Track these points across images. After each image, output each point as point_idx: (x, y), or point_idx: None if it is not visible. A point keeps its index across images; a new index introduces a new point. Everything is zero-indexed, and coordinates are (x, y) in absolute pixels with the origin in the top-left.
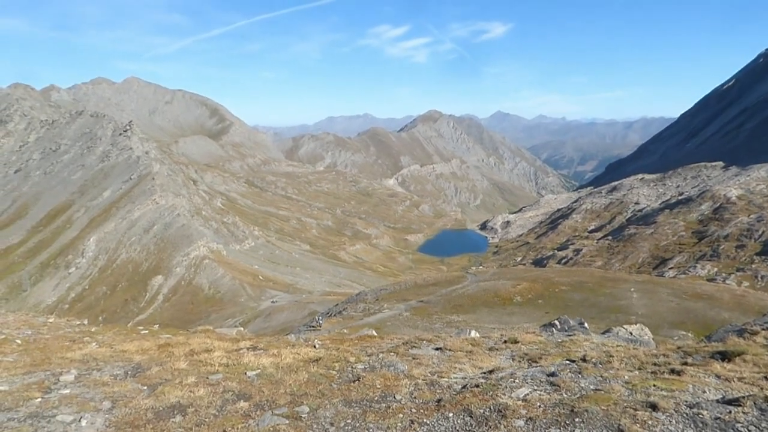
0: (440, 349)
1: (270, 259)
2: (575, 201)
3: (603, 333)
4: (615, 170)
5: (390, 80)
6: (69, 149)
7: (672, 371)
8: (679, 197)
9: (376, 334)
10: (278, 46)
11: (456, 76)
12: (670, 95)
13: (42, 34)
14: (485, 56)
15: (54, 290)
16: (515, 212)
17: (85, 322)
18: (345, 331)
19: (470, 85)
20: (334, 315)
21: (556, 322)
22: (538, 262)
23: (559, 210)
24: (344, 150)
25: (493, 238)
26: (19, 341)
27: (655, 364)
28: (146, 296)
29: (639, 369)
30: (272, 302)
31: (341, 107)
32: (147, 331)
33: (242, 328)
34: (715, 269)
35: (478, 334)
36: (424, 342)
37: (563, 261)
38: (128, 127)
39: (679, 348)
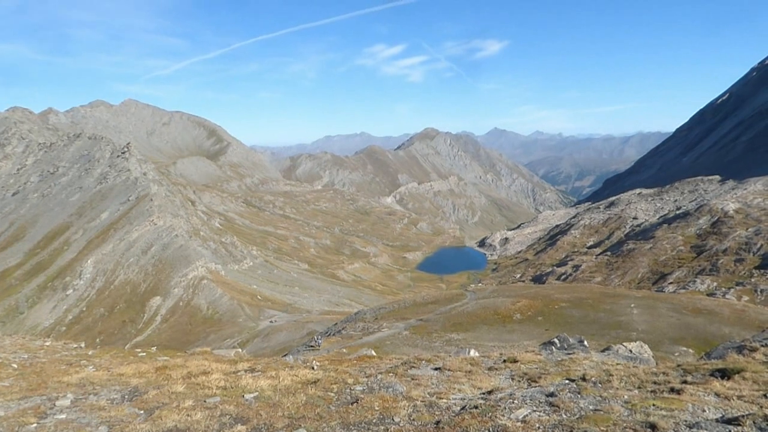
0: (439, 369)
1: (268, 279)
2: (573, 217)
3: (603, 351)
4: (612, 185)
5: (387, 99)
6: (67, 171)
7: (672, 390)
8: (677, 211)
9: (375, 354)
10: (274, 67)
11: (452, 94)
12: (665, 110)
13: (40, 58)
14: (481, 73)
15: (51, 312)
16: (513, 229)
17: (82, 345)
18: (344, 350)
19: (466, 102)
20: (333, 334)
21: (556, 340)
22: (538, 279)
23: (557, 226)
24: (342, 169)
25: (491, 255)
26: (15, 365)
27: (654, 383)
28: (144, 317)
29: (639, 388)
30: (271, 322)
31: (338, 126)
32: (145, 354)
33: (240, 350)
34: (715, 284)
35: (477, 354)
36: (423, 362)
37: (562, 277)
38: (126, 149)
39: (678, 366)
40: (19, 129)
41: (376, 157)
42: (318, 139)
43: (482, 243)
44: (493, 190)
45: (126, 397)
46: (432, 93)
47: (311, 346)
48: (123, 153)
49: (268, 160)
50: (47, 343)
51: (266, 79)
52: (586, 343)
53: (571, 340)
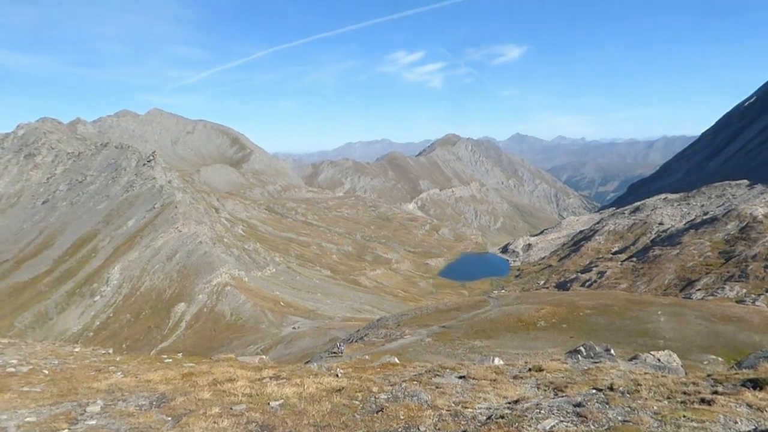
0: (464, 377)
1: (291, 285)
2: (598, 222)
3: (630, 360)
4: (637, 190)
5: (407, 105)
6: (94, 180)
7: (702, 401)
8: (704, 217)
9: (398, 361)
10: (295, 76)
11: (473, 100)
12: (690, 113)
13: (69, 70)
14: (501, 79)
15: (79, 318)
16: (537, 235)
17: (110, 350)
18: (366, 357)
19: (487, 107)
20: (356, 341)
21: (582, 348)
22: (562, 285)
23: (581, 232)
24: (363, 175)
25: (514, 261)
26: (46, 371)
27: (684, 393)
28: (169, 323)
29: (668, 398)
30: (293, 328)
31: (359, 133)
32: (171, 360)
33: (264, 356)
34: (744, 290)
35: (501, 362)
36: (447, 370)
37: (587, 284)
38: (151, 158)
39: (709, 376)
40: (49, 139)
41: (398, 163)
42: (339, 146)
43: (505, 249)
44: (516, 196)
45: (154, 403)
46: (452, 99)
47: (334, 353)
48: (148, 161)
49: (290, 168)
50: (76, 349)
51: (287, 87)
52: (612, 351)
53: (597, 348)
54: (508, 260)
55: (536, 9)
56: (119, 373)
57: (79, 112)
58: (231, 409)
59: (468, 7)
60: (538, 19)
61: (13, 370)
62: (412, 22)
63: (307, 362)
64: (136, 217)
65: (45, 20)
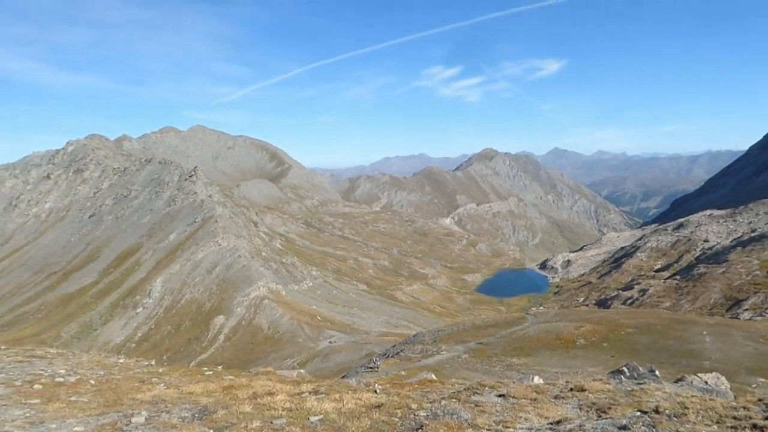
0: (503, 396)
1: (327, 299)
2: (639, 239)
3: (675, 381)
4: (680, 206)
5: (444, 120)
6: (139, 194)
7: (754, 426)
8: (752, 234)
9: (435, 377)
10: (333, 92)
11: (510, 114)
12: (736, 127)
13: (116, 88)
14: (540, 93)
15: (122, 329)
16: (576, 251)
17: (153, 362)
18: (403, 373)
19: (525, 122)
20: (392, 356)
21: (625, 368)
22: (602, 303)
23: (622, 248)
24: (400, 190)
25: (553, 277)
26: (92, 381)
27: (734, 418)
28: (208, 336)
29: (717, 423)
30: (330, 342)
31: (396, 148)
32: (211, 373)
33: (302, 370)
34: None
35: (541, 380)
36: (486, 388)
37: (628, 302)
38: (193, 173)
39: (760, 400)
40: (96, 155)
41: (435, 178)
42: (376, 161)
43: (543, 265)
44: (554, 211)
45: (196, 415)
46: (490, 113)
47: (370, 368)
48: (190, 176)
49: (327, 182)
50: (121, 360)
51: (325, 103)
52: (657, 372)
53: (641, 369)
54: (546, 276)
55: (575, 23)
56: (162, 385)
57: (125, 128)
58: (271, 423)
59: (506, 22)
60: (578, 33)
61: (61, 380)
62: (449, 37)
63: (343, 377)
64: (178, 231)
65: (97, 41)
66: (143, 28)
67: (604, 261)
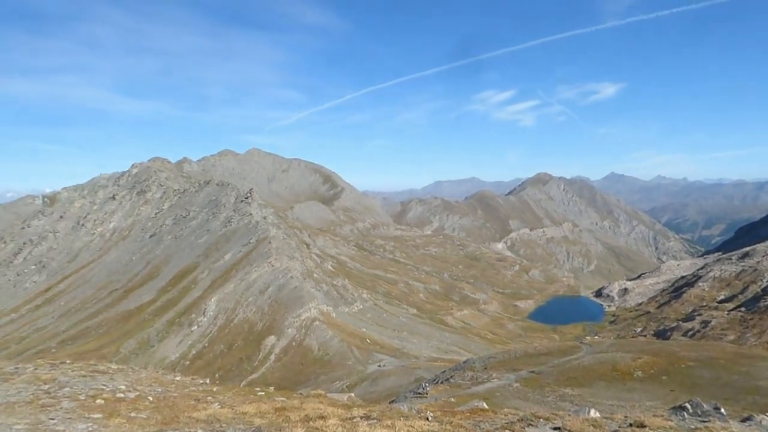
0: (558, 429)
1: (377, 323)
2: (701, 268)
3: (743, 421)
4: (746, 235)
5: (497, 144)
6: (197, 215)
7: None
8: None
9: (486, 406)
10: (385, 115)
11: (565, 138)
12: None
13: (178, 113)
14: (595, 117)
15: (177, 347)
16: (634, 279)
17: (207, 381)
18: (452, 400)
19: (580, 146)
20: (441, 382)
21: (688, 405)
22: (661, 334)
23: (683, 277)
24: (452, 214)
25: (609, 306)
26: (151, 398)
27: None
28: (259, 355)
29: None
30: (379, 366)
31: (448, 171)
32: (263, 393)
33: (352, 394)
34: None
35: (598, 414)
36: (541, 420)
37: (689, 333)
38: (249, 195)
39: None
40: (158, 177)
41: (487, 202)
42: (428, 185)
43: (599, 293)
44: (611, 238)
45: None
46: (544, 137)
47: (419, 394)
48: (246, 198)
49: (379, 205)
50: (177, 378)
51: (378, 127)
52: (722, 410)
53: (705, 405)
54: (602, 305)
55: (633, 46)
56: (216, 404)
57: (186, 151)
58: None
59: (561, 46)
60: (636, 56)
61: (122, 395)
62: (502, 60)
63: (392, 401)
64: (233, 251)
65: (161, 68)
66: (205, 56)
67: (664, 290)
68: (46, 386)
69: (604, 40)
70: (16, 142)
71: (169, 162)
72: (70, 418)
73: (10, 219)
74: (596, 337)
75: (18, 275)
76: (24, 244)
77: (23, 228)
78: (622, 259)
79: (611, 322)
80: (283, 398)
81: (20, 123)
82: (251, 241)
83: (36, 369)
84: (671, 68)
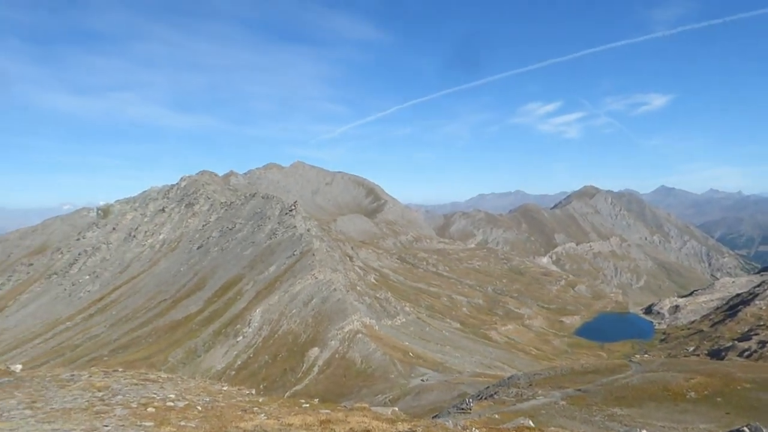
0: None
1: (420, 336)
2: (758, 285)
3: None
4: None
5: (541, 156)
6: (242, 228)
7: None
8: None
9: (532, 424)
10: (429, 128)
11: (612, 150)
12: None
13: (225, 127)
14: (644, 129)
15: (223, 357)
16: (685, 296)
17: (253, 391)
18: (497, 416)
19: (629, 158)
20: (485, 398)
21: (746, 429)
22: (715, 354)
23: (738, 295)
24: (495, 227)
25: (659, 323)
26: (199, 407)
27: None
28: (303, 367)
29: None
30: (422, 380)
31: (492, 184)
32: (308, 405)
33: (396, 408)
34: None
35: None
36: None
37: (745, 354)
38: (293, 207)
39: None
40: (206, 190)
41: (531, 215)
42: (472, 198)
43: (648, 310)
44: (661, 253)
45: None
46: (590, 150)
47: (462, 409)
48: (290, 211)
49: (422, 218)
50: (224, 388)
51: (422, 139)
52: None
53: (764, 430)
54: (652, 322)
55: (683, 56)
56: (263, 415)
57: (233, 164)
58: None
59: (608, 56)
60: (686, 66)
61: (171, 404)
62: (547, 72)
63: (435, 416)
64: (277, 263)
65: (209, 84)
66: (251, 71)
67: (718, 308)
68: (100, 393)
69: (653, 50)
70: (73, 157)
71: (216, 175)
72: (123, 425)
73: (67, 231)
74: (646, 355)
75: (73, 285)
76: (79, 254)
77: (78, 239)
78: (673, 275)
79: (662, 341)
80: (327, 410)
81: (77, 138)
82: (295, 253)
83: (90, 376)
84: (723, 78)
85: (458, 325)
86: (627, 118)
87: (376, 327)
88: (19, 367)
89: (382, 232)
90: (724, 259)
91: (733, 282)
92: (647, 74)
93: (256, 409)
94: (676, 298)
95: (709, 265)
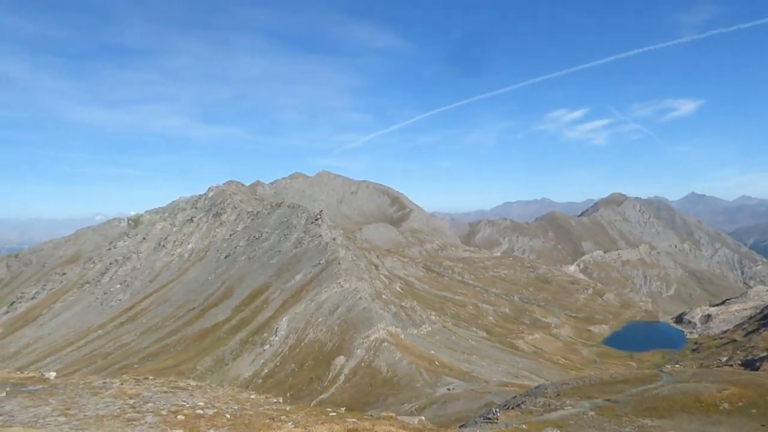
0: None
1: (446, 345)
2: None
3: None
4: None
5: (568, 163)
6: (269, 237)
7: None
8: None
9: None
10: (453, 137)
11: (640, 157)
12: None
13: (251, 137)
14: (673, 135)
15: (250, 365)
16: (718, 305)
17: (280, 400)
18: (524, 426)
19: (657, 165)
20: (512, 408)
21: None
22: (749, 364)
23: None
24: (521, 235)
25: (691, 333)
26: (228, 415)
27: None
28: (329, 375)
29: None
30: (448, 389)
31: (517, 192)
32: (335, 413)
33: (422, 417)
34: None
35: None
36: None
37: None
38: (319, 216)
39: None
40: (233, 200)
41: (558, 223)
42: (497, 205)
43: (679, 319)
44: (692, 261)
45: None
46: (618, 156)
47: (489, 419)
48: (316, 220)
49: (447, 226)
50: (252, 396)
51: (446, 148)
52: None
53: None
54: (683, 331)
55: (713, 61)
56: (290, 423)
57: (259, 174)
58: None
59: (635, 62)
60: (716, 71)
61: (201, 412)
62: (573, 79)
63: (462, 426)
64: (303, 272)
65: (236, 95)
66: (276, 82)
67: (752, 317)
68: (132, 401)
69: (681, 55)
70: (105, 168)
71: (243, 185)
72: None
73: (98, 241)
74: (677, 365)
75: (105, 294)
76: (110, 264)
77: (110, 249)
78: (704, 284)
79: (693, 350)
80: (354, 419)
81: (107, 150)
82: (321, 262)
83: (122, 384)
84: (754, 83)
85: (484, 334)
86: (655, 125)
87: (402, 336)
88: (53, 374)
89: (407, 240)
90: (758, 267)
91: None
92: (676, 80)
93: (283, 417)
94: (707, 306)
95: (742, 273)
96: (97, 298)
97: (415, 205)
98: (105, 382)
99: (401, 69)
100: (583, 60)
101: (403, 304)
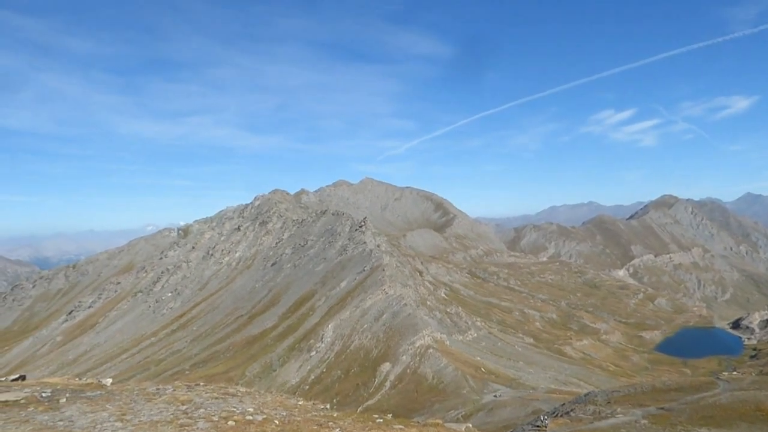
0: None
1: (492, 351)
2: None
3: None
4: None
5: (615, 166)
6: (314, 244)
7: None
8: None
9: None
10: (497, 141)
11: (691, 158)
12: None
13: (295, 146)
14: (726, 134)
15: (297, 372)
16: None
17: (327, 406)
18: None
19: (709, 165)
20: (561, 415)
21: None
22: None
23: None
24: (568, 240)
25: (749, 338)
26: (277, 422)
27: None
28: (375, 382)
29: None
30: (495, 396)
31: (563, 196)
32: (382, 420)
33: (470, 424)
34: None
35: None
36: None
37: None
38: (363, 223)
39: None
40: (278, 208)
41: (606, 227)
42: (542, 210)
43: (736, 324)
44: (748, 264)
45: None
46: (667, 157)
47: (537, 426)
48: (360, 227)
49: (492, 232)
50: (300, 402)
51: (490, 152)
52: None
53: None
54: (740, 337)
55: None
56: (338, 430)
57: (303, 182)
58: None
59: (684, 60)
60: None
61: (250, 417)
62: (619, 79)
63: None
64: (348, 279)
65: (279, 105)
66: (319, 91)
67: None
68: (184, 407)
69: (732, 50)
70: (155, 179)
71: (287, 194)
72: None
73: (150, 250)
74: (734, 372)
75: (157, 302)
76: (162, 273)
77: (161, 258)
78: (763, 288)
79: (752, 357)
80: (401, 426)
81: (157, 162)
82: (365, 268)
83: (174, 390)
84: None
85: (531, 340)
86: (707, 123)
87: (447, 342)
88: (109, 381)
89: (451, 246)
90: None
91: None
92: (728, 76)
93: (331, 423)
94: (767, 311)
95: None
96: (149, 306)
97: (459, 210)
98: (158, 389)
99: (443, 74)
100: (629, 59)
101: (448, 310)
